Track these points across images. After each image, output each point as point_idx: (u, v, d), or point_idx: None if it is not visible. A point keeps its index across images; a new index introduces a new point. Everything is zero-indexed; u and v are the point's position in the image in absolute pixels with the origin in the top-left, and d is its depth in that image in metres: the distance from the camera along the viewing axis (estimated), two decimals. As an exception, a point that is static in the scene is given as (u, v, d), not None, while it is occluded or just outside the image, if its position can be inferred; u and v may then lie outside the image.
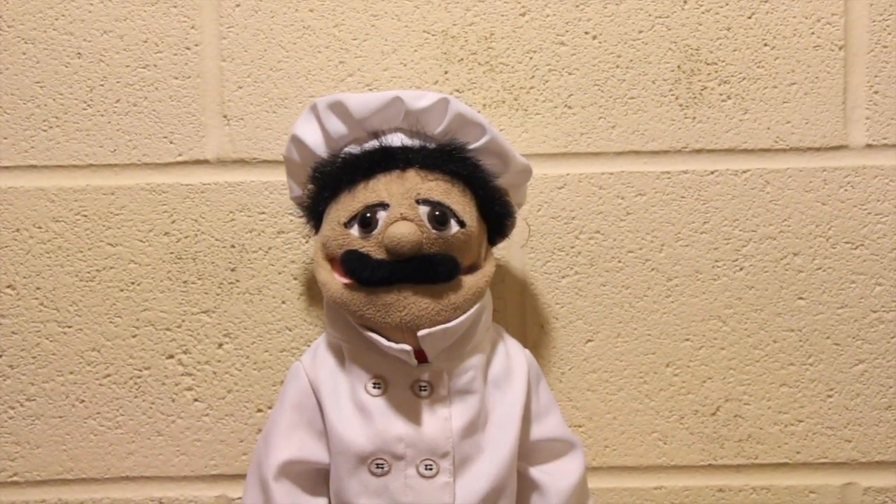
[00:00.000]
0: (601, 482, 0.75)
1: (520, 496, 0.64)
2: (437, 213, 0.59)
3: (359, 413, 0.61)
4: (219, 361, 0.75)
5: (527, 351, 0.66)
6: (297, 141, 0.64)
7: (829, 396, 0.75)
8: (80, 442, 0.75)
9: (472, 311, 0.60)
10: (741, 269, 0.75)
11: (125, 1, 0.74)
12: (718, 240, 0.75)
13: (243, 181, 0.74)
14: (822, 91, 0.74)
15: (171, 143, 0.75)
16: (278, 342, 0.75)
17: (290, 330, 0.75)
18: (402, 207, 0.59)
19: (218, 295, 0.75)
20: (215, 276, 0.75)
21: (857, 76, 0.74)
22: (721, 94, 0.74)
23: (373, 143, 0.62)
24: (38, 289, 0.75)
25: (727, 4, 0.74)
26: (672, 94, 0.74)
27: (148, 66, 0.74)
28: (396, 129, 0.62)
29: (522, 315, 0.75)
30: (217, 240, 0.75)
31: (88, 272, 0.75)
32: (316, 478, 0.63)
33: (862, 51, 0.74)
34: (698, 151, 0.75)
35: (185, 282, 0.75)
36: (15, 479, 0.75)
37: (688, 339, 0.75)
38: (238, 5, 0.74)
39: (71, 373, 0.75)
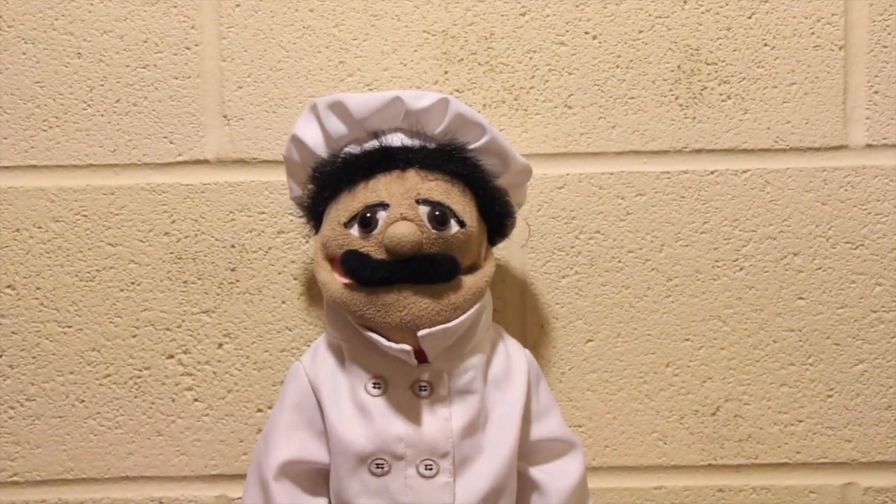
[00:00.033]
0: (601, 482, 0.75)
1: (520, 496, 0.64)
2: (437, 213, 0.59)
3: (359, 413, 0.61)
4: (219, 361, 0.75)
5: (527, 351, 0.66)
6: (296, 141, 0.64)
7: (829, 396, 0.75)
8: (81, 442, 0.75)
9: (472, 311, 0.60)
10: (741, 269, 0.75)
11: (125, 1, 0.74)
12: (718, 240, 0.75)
13: (243, 181, 0.74)
14: (822, 91, 0.74)
15: (171, 143, 0.75)
16: (278, 342, 0.75)
17: (290, 330, 0.75)
18: (403, 207, 0.59)
19: (218, 295, 0.75)
20: (215, 276, 0.75)
21: (857, 76, 0.74)
22: (721, 94, 0.74)
23: (373, 143, 0.62)
24: (38, 289, 0.75)
25: (727, 4, 0.74)
26: (672, 94, 0.74)
27: (148, 66, 0.74)
28: (396, 129, 0.62)
29: (522, 315, 0.75)
30: (217, 240, 0.75)
31: (88, 272, 0.75)
32: (316, 478, 0.63)
33: (862, 51, 0.74)
34: (698, 151, 0.75)
35: (185, 282, 0.75)
36: (15, 479, 0.76)
37: (688, 339, 0.75)
38: (238, 5, 0.74)
39: (71, 373, 0.75)
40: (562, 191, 0.75)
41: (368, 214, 0.59)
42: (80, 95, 0.74)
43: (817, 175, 0.74)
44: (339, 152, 0.63)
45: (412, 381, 0.61)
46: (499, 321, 0.73)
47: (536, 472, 0.65)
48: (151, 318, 0.75)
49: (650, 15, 0.74)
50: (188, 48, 0.74)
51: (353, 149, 0.62)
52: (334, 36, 0.74)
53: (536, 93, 0.74)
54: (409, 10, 0.74)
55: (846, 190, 0.74)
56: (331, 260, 0.61)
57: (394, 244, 0.57)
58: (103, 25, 0.74)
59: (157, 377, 0.75)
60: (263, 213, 0.75)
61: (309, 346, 0.74)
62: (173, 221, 0.75)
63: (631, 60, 0.74)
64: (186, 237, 0.75)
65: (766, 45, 0.74)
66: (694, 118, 0.74)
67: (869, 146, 0.74)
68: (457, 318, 0.59)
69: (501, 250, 0.74)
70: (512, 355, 0.65)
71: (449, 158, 0.61)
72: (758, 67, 0.74)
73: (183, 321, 0.75)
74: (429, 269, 0.58)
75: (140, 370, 0.75)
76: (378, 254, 0.59)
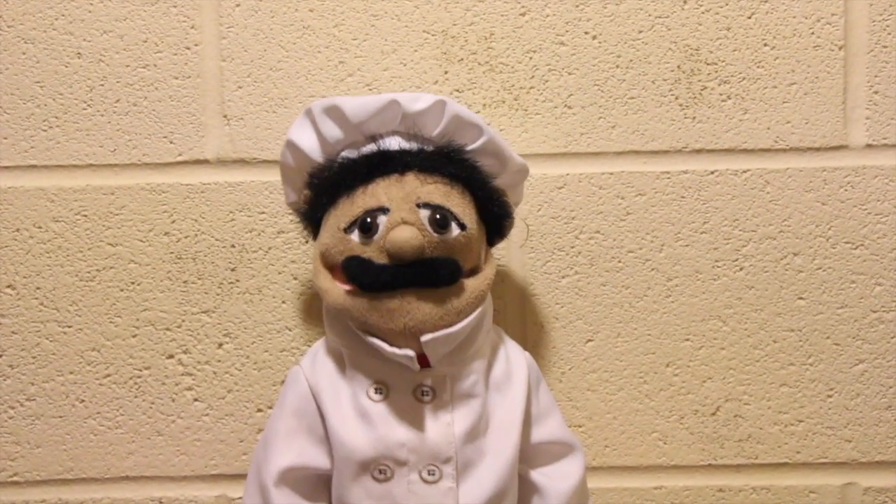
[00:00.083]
0: (601, 482, 0.75)
1: (520, 499, 0.64)
2: (437, 216, 0.59)
3: (361, 419, 0.60)
4: (219, 361, 0.75)
5: (527, 353, 0.66)
6: (292, 146, 0.64)
7: (829, 396, 0.75)
8: (81, 442, 0.75)
9: (474, 314, 0.59)
10: (741, 269, 0.75)
11: (125, 1, 0.74)
12: (718, 240, 0.75)
13: (243, 181, 0.74)
14: (822, 91, 0.74)
15: (171, 142, 0.75)
16: (278, 342, 0.75)
17: (290, 330, 0.75)
18: (403, 212, 0.58)
19: (218, 295, 0.75)
20: (215, 276, 0.75)
21: (857, 76, 0.74)
22: (721, 94, 0.74)
23: (370, 147, 0.61)
24: (38, 289, 0.75)
25: (727, 4, 0.74)
26: (672, 94, 0.74)
27: (148, 65, 0.74)
28: (393, 133, 0.62)
29: (522, 315, 0.75)
30: (217, 240, 0.75)
31: (88, 272, 0.75)
32: (316, 483, 0.63)
33: (862, 51, 0.74)
34: (698, 151, 0.75)
35: (185, 282, 0.75)
36: (15, 478, 0.76)
37: (688, 339, 0.75)
38: (238, 5, 0.74)
39: (71, 373, 0.75)
40: (562, 191, 0.75)
41: (369, 219, 0.59)
42: (80, 95, 0.74)
43: (817, 175, 0.74)
44: (335, 157, 0.62)
45: (414, 387, 0.61)
46: (499, 321, 0.73)
47: (536, 474, 0.65)
48: (151, 318, 0.75)
49: (650, 15, 0.74)
50: (188, 48, 0.74)
51: (350, 153, 0.62)
52: (334, 36, 0.74)
53: (536, 93, 0.74)
54: (409, 10, 0.74)
55: (846, 190, 0.74)
56: (331, 267, 0.61)
57: (396, 249, 0.57)
58: (103, 25, 0.74)
59: (157, 377, 0.75)
60: (263, 213, 0.75)
61: (309, 346, 0.74)
62: (173, 221, 0.75)
63: (631, 60, 0.74)
64: (186, 237, 0.75)
65: (765, 45, 0.74)
66: (694, 118, 0.74)
67: (869, 146, 0.74)
68: (460, 322, 0.59)
69: (501, 250, 0.74)
70: (512, 358, 0.65)
71: (448, 161, 0.61)
72: (758, 67, 0.74)
73: (183, 321, 0.75)
74: (431, 272, 0.58)
75: (140, 370, 0.75)
76: (380, 259, 0.58)
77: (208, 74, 0.74)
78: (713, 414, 0.75)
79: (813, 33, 0.74)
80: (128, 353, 0.75)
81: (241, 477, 0.75)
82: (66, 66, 0.74)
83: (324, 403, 0.62)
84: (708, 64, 0.74)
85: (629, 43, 0.74)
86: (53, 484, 0.76)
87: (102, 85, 0.74)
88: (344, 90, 0.74)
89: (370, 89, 0.74)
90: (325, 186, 0.62)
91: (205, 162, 0.75)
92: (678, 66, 0.74)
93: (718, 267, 0.75)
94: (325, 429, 0.62)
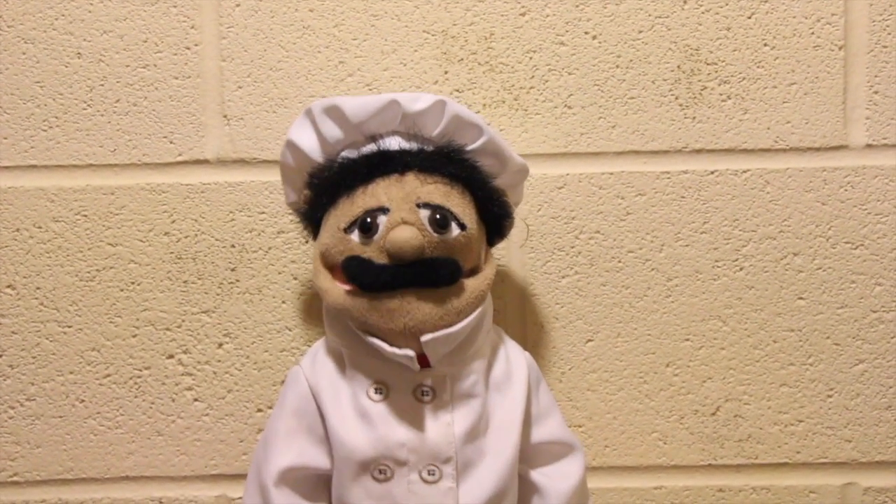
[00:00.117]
0: (601, 482, 0.75)
1: (520, 499, 0.64)
2: (437, 216, 0.59)
3: (361, 419, 0.60)
4: (219, 361, 0.75)
5: (527, 353, 0.66)
6: (292, 146, 0.64)
7: (829, 396, 0.75)
8: (81, 442, 0.75)
9: (474, 314, 0.59)
10: (741, 269, 0.75)
11: (125, 1, 0.74)
12: (718, 240, 0.75)
13: (243, 181, 0.74)
14: (822, 91, 0.74)
15: (171, 142, 0.75)
16: (278, 342, 0.75)
17: (290, 330, 0.75)
18: (403, 211, 0.58)
19: (218, 295, 0.75)
20: (215, 276, 0.75)
21: (857, 76, 0.74)
22: (721, 94, 0.74)
23: (370, 147, 0.61)
24: (38, 289, 0.75)
25: (727, 4, 0.74)
26: (672, 94, 0.74)
27: (148, 65, 0.74)
28: (393, 133, 0.62)
29: (522, 315, 0.75)
30: (217, 240, 0.75)
31: (88, 272, 0.75)
32: (316, 483, 0.63)
33: (862, 51, 0.74)
34: (698, 151, 0.75)
35: (185, 282, 0.75)
36: (15, 478, 0.76)
37: (688, 339, 0.75)
38: (238, 5, 0.74)
39: (71, 373, 0.75)
40: (562, 191, 0.75)
41: (369, 219, 0.59)
42: (80, 95, 0.74)
43: (817, 175, 0.74)
44: (335, 157, 0.62)
45: (414, 387, 0.61)
46: (499, 321, 0.73)
47: (536, 474, 0.65)
48: (151, 318, 0.75)
49: (650, 15, 0.74)
50: (188, 48, 0.74)
51: (350, 153, 0.62)
52: (334, 36, 0.74)
53: (536, 93, 0.74)
54: (409, 10, 0.74)
55: (846, 190, 0.74)
56: (331, 267, 0.61)
57: (396, 249, 0.57)
58: (103, 25, 0.74)
59: (157, 377, 0.75)
60: (263, 212, 0.75)
61: (309, 346, 0.74)
62: (173, 221, 0.75)
63: (631, 60, 0.74)
64: (186, 237, 0.75)
65: (765, 45, 0.74)
66: (694, 118, 0.74)
67: (869, 146, 0.74)
68: (460, 322, 0.59)
69: (501, 250, 0.74)
70: (512, 358, 0.65)
71: (448, 161, 0.61)
72: (758, 67, 0.74)
73: (183, 321, 0.75)
74: (431, 272, 0.58)
75: (140, 370, 0.75)
76: (380, 259, 0.58)
77: (208, 74, 0.74)
78: (713, 414, 0.75)
79: (813, 33, 0.74)
80: (128, 353, 0.75)
81: (241, 477, 0.75)
82: (66, 66, 0.74)
83: (324, 403, 0.62)
84: (708, 64, 0.74)
85: (629, 43, 0.74)
86: (53, 484, 0.76)
87: (102, 85, 0.74)
88: (344, 90, 0.74)
89: (370, 89, 0.74)
90: (325, 186, 0.62)
91: (205, 162, 0.75)
92: (678, 66, 0.74)
93: (718, 267, 0.75)
94: (325, 429, 0.62)
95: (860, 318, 0.75)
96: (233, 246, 0.75)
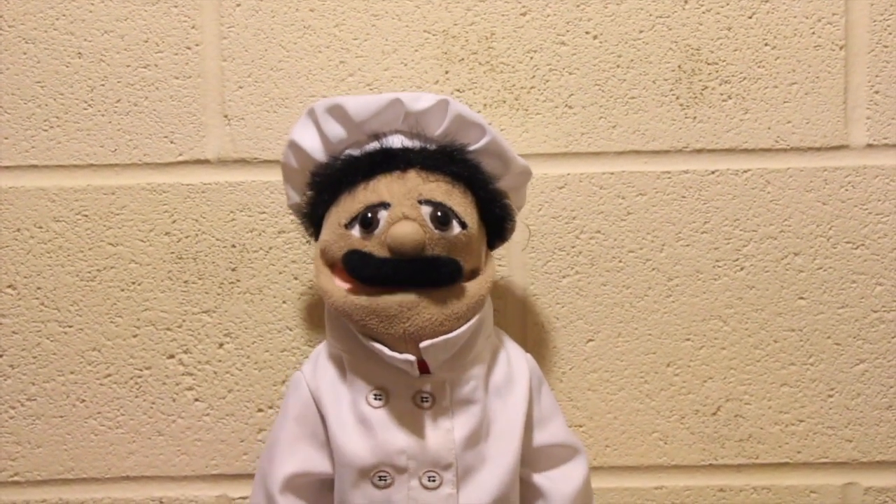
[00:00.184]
0: (602, 482, 0.75)
1: (524, 503, 0.64)
2: (438, 213, 0.59)
3: (360, 425, 0.60)
4: (219, 361, 0.75)
5: (528, 356, 0.66)
6: (294, 146, 0.64)
7: (830, 396, 0.75)
8: (81, 442, 0.75)
9: (473, 320, 0.59)
10: (742, 268, 0.75)
11: (126, 1, 0.74)
12: (719, 239, 0.75)
13: (244, 181, 0.74)
14: (823, 91, 0.74)
15: (171, 142, 0.75)
16: (279, 342, 0.75)
17: (290, 330, 0.75)
18: (404, 207, 0.58)
19: (218, 295, 0.75)
20: (216, 276, 0.75)
21: (857, 76, 0.74)
22: (722, 94, 0.74)
23: (373, 145, 0.61)
24: (38, 288, 0.75)
25: (728, 4, 0.74)
26: (673, 94, 0.74)
27: (148, 65, 0.74)
28: (396, 132, 0.62)
29: (523, 315, 0.75)
30: (218, 239, 0.75)
31: (89, 272, 0.75)
32: (321, 488, 0.63)
33: (862, 50, 0.74)
34: (699, 151, 0.75)
35: (185, 281, 0.75)
36: (16, 478, 0.76)
37: (688, 339, 0.75)
38: (239, 5, 0.74)
39: (72, 372, 0.75)
40: (562, 191, 0.75)
41: (369, 214, 0.59)
42: (81, 95, 0.74)
43: (818, 175, 0.74)
44: (338, 156, 0.62)
45: (414, 393, 0.60)
46: (499, 321, 0.73)
47: (540, 478, 0.64)
48: (152, 318, 0.75)
49: (651, 15, 0.74)
50: (189, 48, 0.74)
51: (353, 151, 0.62)
52: (335, 36, 0.74)
53: (537, 92, 0.74)
54: (410, 9, 0.74)
55: (847, 190, 0.74)
56: (331, 264, 0.61)
57: (397, 243, 0.57)
58: (104, 25, 0.74)
59: (157, 377, 0.75)
60: (264, 212, 0.75)
61: (309, 345, 0.74)
62: (174, 221, 0.75)
63: (632, 60, 0.74)
64: (187, 237, 0.75)
65: (766, 44, 0.74)
66: (695, 118, 0.74)
67: (870, 146, 0.74)
68: (459, 327, 0.58)
69: (502, 251, 0.74)
70: (513, 361, 0.64)
71: (450, 160, 0.61)
72: (758, 67, 0.74)
73: (184, 321, 0.75)
74: (432, 270, 0.58)
75: (141, 370, 0.75)
76: (380, 253, 0.58)
77: (209, 74, 0.74)
78: (714, 414, 0.75)
79: (814, 33, 0.74)
80: (128, 353, 0.75)
81: (241, 477, 0.75)
82: (67, 66, 0.74)
83: (325, 409, 0.61)
84: (709, 64, 0.74)
85: (630, 43, 0.74)
86: (54, 484, 0.76)
87: (103, 85, 0.74)
88: (345, 90, 0.74)
89: (371, 89, 0.74)
90: (327, 183, 0.62)
91: (205, 162, 0.75)
92: (679, 66, 0.74)
93: (719, 267, 0.75)
94: (327, 434, 0.62)
95: (861, 317, 0.75)
96: (233, 246, 0.75)
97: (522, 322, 0.75)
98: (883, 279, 0.75)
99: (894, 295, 0.75)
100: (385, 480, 0.60)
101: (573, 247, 0.75)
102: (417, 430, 0.60)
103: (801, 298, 0.75)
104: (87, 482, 0.76)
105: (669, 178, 0.75)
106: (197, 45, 0.74)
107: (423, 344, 0.58)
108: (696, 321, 0.75)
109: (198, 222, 0.75)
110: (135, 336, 0.75)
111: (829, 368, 0.75)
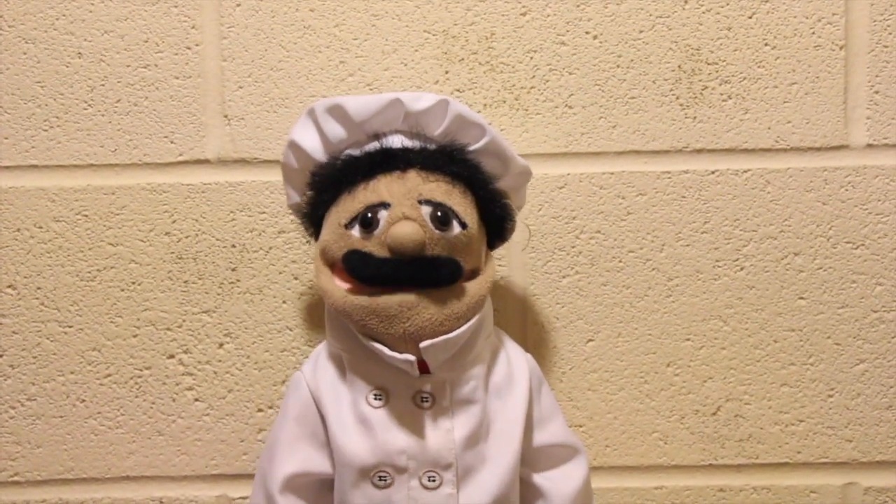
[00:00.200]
0: (602, 482, 0.75)
1: (524, 503, 0.64)
2: (439, 213, 0.59)
3: (360, 425, 0.60)
4: (219, 361, 0.75)
5: (528, 356, 0.66)
6: (294, 146, 0.64)
7: (830, 396, 0.75)
8: (81, 442, 0.75)
9: (473, 320, 0.59)
10: (742, 268, 0.75)
11: (126, 1, 0.74)
12: (719, 239, 0.75)
13: (244, 181, 0.74)
14: (823, 91, 0.74)
15: (171, 142, 0.75)
16: (279, 342, 0.75)
17: (290, 330, 0.75)
18: (405, 207, 0.58)
19: (219, 295, 0.75)
20: (216, 276, 0.75)
21: (857, 76, 0.74)
22: (722, 94, 0.74)
23: (373, 145, 0.61)
24: (38, 288, 0.75)
25: (728, 4, 0.74)
26: (673, 94, 0.74)
27: (149, 65, 0.74)
28: (396, 131, 0.62)
29: (523, 315, 0.75)
30: (218, 239, 0.75)
31: (89, 272, 0.75)
32: (321, 488, 0.63)
33: (863, 50, 0.74)
34: (699, 151, 0.75)
35: (185, 281, 0.75)
36: (16, 478, 0.76)
37: (688, 339, 0.75)
38: (239, 5, 0.74)
39: (72, 372, 0.75)
40: (562, 191, 0.75)
41: (369, 214, 0.59)
42: (81, 95, 0.74)
43: (818, 175, 0.74)
44: (338, 156, 0.62)
45: (414, 393, 0.60)
46: (499, 321, 0.73)
47: (540, 478, 0.64)
48: (152, 318, 0.75)
49: (651, 15, 0.74)
50: (189, 48, 0.74)
51: (353, 151, 0.62)
52: (335, 36, 0.74)
53: (537, 92, 0.74)
54: (410, 9, 0.74)
55: (847, 190, 0.74)
56: (331, 264, 0.61)
57: (397, 243, 0.57)
58: (104, 25, 0.74)
59: (157, 377, 0.75)
60: (264, 212, 0.75)
61: (309, 345, 0.74)
62: (174, 221, 0.75)
63: (632, 60, 0.74)
64: (187, 237, 0.75)
65: (766, 44, 0.74)
66: (695, 118, 0.74)
67: (870, 146, 0.74)
68: (459, 327, 0.58)
69: (502, 251, 0.74)
70: (513, 361, 0.64)
71: (450, 160, 0.61)
72: (758, 67, 0.74)
73: (184, 321, 0.75)
74: (432, 270, 0.58)
75: (141, 370, 0.75)
76: (380, 253, 0.58)
77: (209, 74, 0.74)
78: (714, 414, 0.75)
79: (814, 33, 0.74)
80: (128, 353, 0.75)
81: (241, 477, 0.75)
82: (67, 66, 0.74)
83: (325, 409, 0.61)
84: (709, 64, 0.74)
85: (630, 43, 0.74)
86: (54, 484, 0.76)
87: (103, 85, 0.74)
88: (345, 90, 0.74)
89: (371, 89, 0.74)
90: (327, 183, 0.62)
91: (205, 162, 0.75)
92: (679, 66, 0.74)
93: (719, 267, 0.75)
94: (327, 434, 0.62)
95: (861, 317, 0.75)
96: (233, 246, 0.75)
97: (522, 322, 0.75)
98: (883, 279, 0.75)
99: (894, 295, 0.75)
100: (385, 480, 0.60)
101: (573, 247, 0.75)
102: (417, 430, 0.60)
103: (801, 298, 0.75)
104: (87, 482, 0.76)
105: (669, 178, 0.75)
106: (197, 45, 0.74)
107: (423, 344, 0.58)
108: (696, 321, 0.75)
109: (198, 222, 0.75)
110: (135, 336, 0.75)
111: (829, 368, 0.75)
